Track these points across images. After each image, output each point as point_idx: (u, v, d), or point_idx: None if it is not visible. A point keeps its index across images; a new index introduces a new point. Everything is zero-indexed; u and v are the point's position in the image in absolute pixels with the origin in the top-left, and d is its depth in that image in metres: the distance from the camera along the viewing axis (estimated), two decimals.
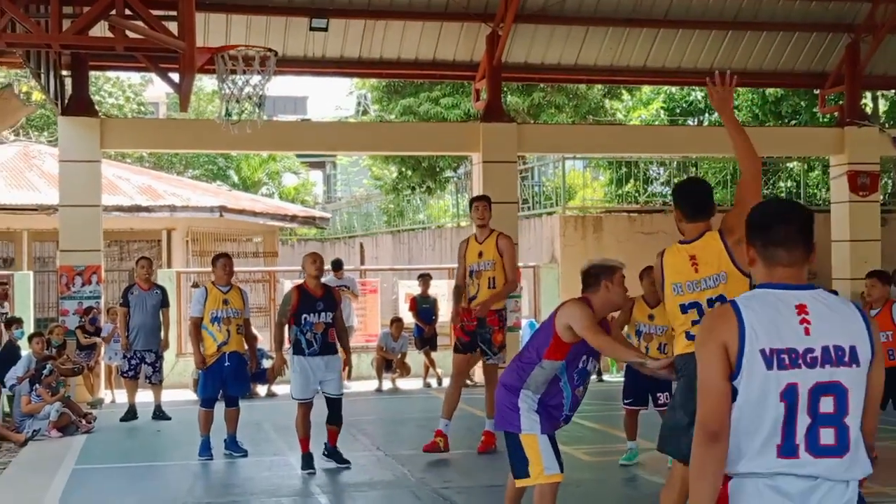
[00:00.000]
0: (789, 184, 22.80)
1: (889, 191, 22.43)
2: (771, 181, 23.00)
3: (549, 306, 17.90)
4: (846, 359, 3.13)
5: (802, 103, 24.46)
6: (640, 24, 16.94)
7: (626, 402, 9.25)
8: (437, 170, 28.14)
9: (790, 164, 23.12)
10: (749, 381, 3.10)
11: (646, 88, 25.72)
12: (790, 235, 3.25)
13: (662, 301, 6.24)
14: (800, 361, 3.10)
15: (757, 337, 3.10)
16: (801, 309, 3.16)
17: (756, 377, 3.10)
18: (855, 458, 3.12)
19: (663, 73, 18.20)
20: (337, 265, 16.30)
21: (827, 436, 3.10)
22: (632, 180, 22.31)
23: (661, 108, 26.02)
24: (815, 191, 22.62)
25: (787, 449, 3.08)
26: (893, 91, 24.46)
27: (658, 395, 8.87)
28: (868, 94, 23.60)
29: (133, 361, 12.79)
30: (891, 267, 17.68)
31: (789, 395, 3.08)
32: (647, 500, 7.75)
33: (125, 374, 12.94)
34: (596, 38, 17.02)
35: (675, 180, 23.19)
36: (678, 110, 25.71)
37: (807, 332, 3.13)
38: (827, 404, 3.10)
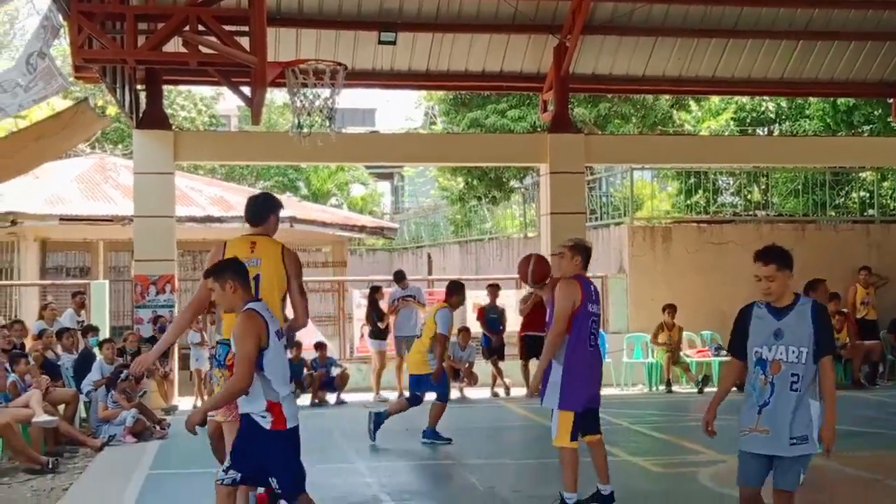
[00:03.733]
0: (862, 194, 22.42)
1: None
2: (844, 191, 22.66)
3: (617, 317, 17.86)
4: None
5: (876, 112, 24.06)
6: (709, 34, 16.85)
7: None
8: (503, 180, 28.16)
9: (863, 174, 22.73)
10: None
11: (715, 99, 25.51)
12: None
13: None
14: None
15: None
16: None
17: None
18: None
19: (733, 83, 18.08)
20: (399, 276, 16.44)
21: None
22: (700, 190, 22.13)
23: (732, 118, 25.76)
24: (889, 201, 22.21)
25: None
26: None
27: None
28: None
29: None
30: None
31: None
32: None
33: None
34: (664, 49, 16.96)
35: (745, 191, 22.97)
36: (748, 120, 25.42)
37: None
38: None
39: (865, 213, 21.54)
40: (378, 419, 11.22)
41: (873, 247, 18.52)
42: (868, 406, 13.61)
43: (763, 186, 22.95)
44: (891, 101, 18.94)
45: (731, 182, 23.37)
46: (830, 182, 21.45)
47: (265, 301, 6.11)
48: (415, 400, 11.33)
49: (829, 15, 16.68)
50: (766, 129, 26.01)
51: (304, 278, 6.98)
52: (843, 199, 22.68)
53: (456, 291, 11.43)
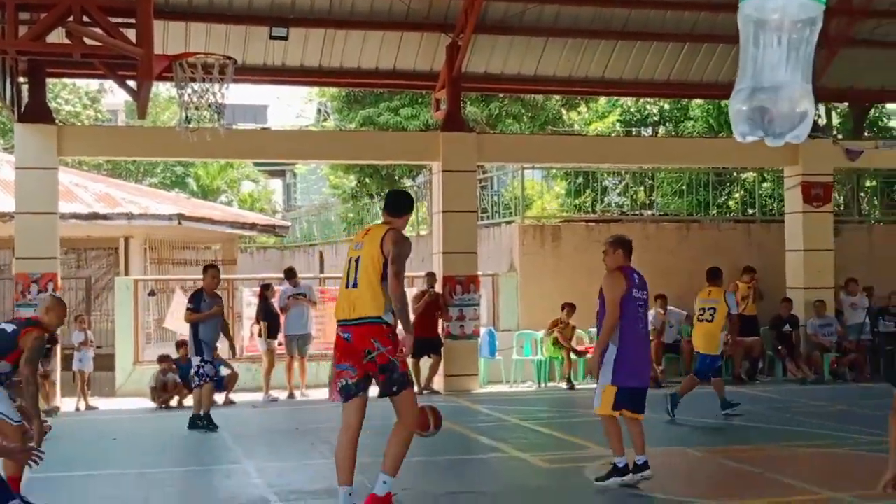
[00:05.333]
0: (743, 194, 23.08)
1: (842, 202, 22.77)
2: (726, 191, 23.28)
3: (507, 314, 18.03)
4: None
5: None
6: (599, 35, 17.13)
7: None
8: (396, 178, 28.19)
9: (744, 175, 23.40)
10: None
11: (602, 101, 25.98)
12: None
13: None
14: None
15: None
16: None
17: None
18: None
19: (621, 85, 18.41)
20: (290, 274, 16.35)
21: None
22: (588, 190, 22.49)
23: (618, 120, 26.27)
24: (769, 201, 22.91)
25: None
26: (846, 103, 24.84)
27: None
28: (822, 107, 23.95)
29: (211, 368, 12.62)
30: (843, 276, 18.02)
31: None
32: (603, 501, 7.87)
33: (206, 381, 12.51)
34: (555, 49, 17.18)
35: (631, 191, 23.44)
36: (633, 122, 25.97)
37: None
38: None
39: (747, 213, 22.18)
40: (674, 399, 12.45)
41: (754, 245, 19.08)
42: (748, 400, 14.01)
43: (648, 187, 23.44)
44: None
45: (618, 182, 23.81)
46: (713, 182, 22.03)
47: (361, 281, 6.88)
48: (704, 376, 12.63)
49: (714, 19, 17.09)
50: (651, 131, 26.60)
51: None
52: (725, 199, 23.31)
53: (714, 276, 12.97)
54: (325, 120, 35.55)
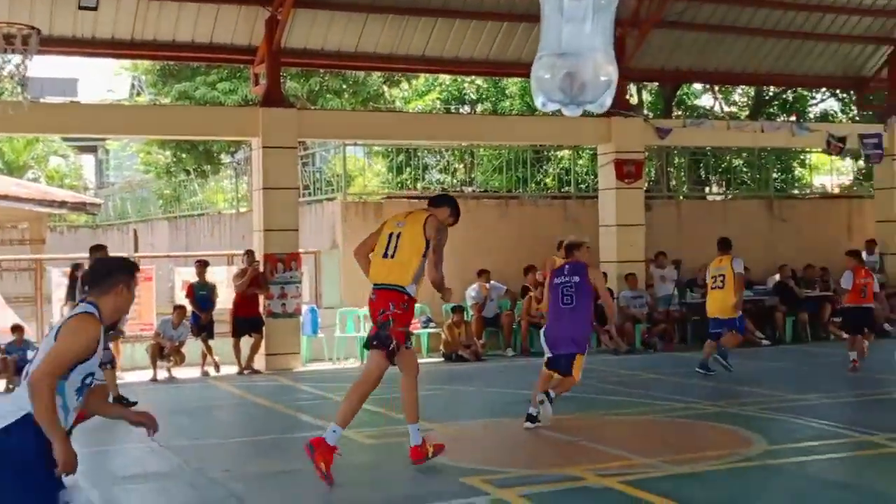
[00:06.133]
0: (559, 171, 23.64)
1: (653, 178, 23.64)
2: (543, 169, 23.80)
3: (330, 292, 17.93)
4: None
5: None
6: (420, 13, 17.17)
7: None
8: (214, 154, 27.57)
9: (559, 153, 23.97)
10: None
11: (422, 79, 26.08)
12: None
13: None
14: None
15: None
16: None
17: None
18: None
19: (441, 63, 18.53)
20: (96, 250, 15.65)
21: None
22: (409, 167, 22.58)
23: (438, 98, 26.44)
24: (584, 177, 23.58)
25: None
26: (657, 83, 25.78)
27: None
28: (634, 86, 24.77)
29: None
30: (653, 250, 18.73)
31: None
32: (433, 475, 7.91)
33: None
34: (376, 26, 17.11)
35: (451, 168, 23.67)
36: (453, 100, 26.22)
37: None
38: None
39: (563, 190, 22.74)
40: (722, 354, 13.49)
41: (570, 221, 19.55)
42: None
43: (469, 164, 23.73)
44: None
45: (439, 159, 24.01)
46: (531, 160, 22.47)
47: (398, 254, 7.96)
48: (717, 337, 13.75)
49: None
50: (470, 109, 26.91)
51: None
52: (542, 177, 23.83)
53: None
54: (138, 94, 34.42)
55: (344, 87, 25.31)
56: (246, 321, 15.84)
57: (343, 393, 12.71)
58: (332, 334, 17.15)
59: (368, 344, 8.29)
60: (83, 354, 4.41)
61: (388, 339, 7.98)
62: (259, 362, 15.94)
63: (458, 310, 16.94)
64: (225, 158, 28.15)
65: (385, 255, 8.10)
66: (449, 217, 8.41)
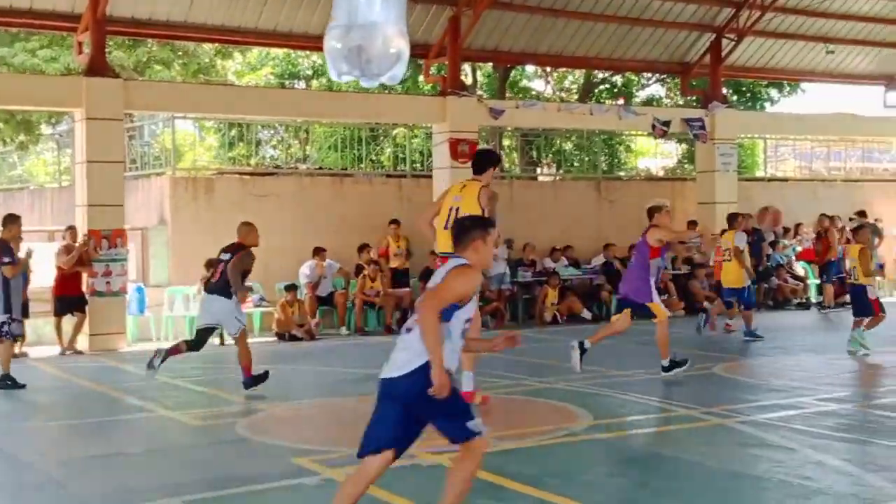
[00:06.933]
0: (395, 149, 23.65)
1: None
2: (378, 147, 23.76)
3: (157, 270, 17.43)
4: None
5: (408, 72, 25.39)
6: None
7: None
8: (34, 124, 26.37)
9: (395, 131, 23.98)
10: None
11: (255, 52, 25.61)
12: None
13: None
14: None
15: None
16: None
17: None
18: None
19: (275, 36, 18.22)
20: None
21: None
22: (242, 143, 22.15)
23: (272, 73, 26.04)
24: (419, 156, 23.66)
25: None
26: (491, 63, 26.06)
27: None
28: (468, 67, 24.99)
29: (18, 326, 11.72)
30: None
31: None
32: (264, 456, 7.79)
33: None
34: None
35: (285, 144, 23.36)
36: (287, 75, 25.86)
37: None
38: None
39: (398, 168, 22.76)
40: (707, 318, 15.61)
41: (405, 200, 19.60)
42: None
43: (303, 140, 23.47)
44: (422, 61, 20.06)
45: (273, 135, 23.66)
46: (367, 138, 22.39)
47: None
48: (729, 306, 15.59)
49: None
50: (304, 84, 26.61)
51: None
52: (378, 155, 23.79)
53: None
54: None
55: (173, 58, 24.61)
56: (68, 300, 15.23)
57: (170, 373, 12.45)
58: (160, 314, 16.70)
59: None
60: (465, 298, 5.15)
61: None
62: (82, 342, 15.38)
63: (292, 288, 16.76)
64: (46, 129, 26.95)
65: (447, 227, 8.84)
66: (493, 172, 9.42)
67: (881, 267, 22.49)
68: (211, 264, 16.04)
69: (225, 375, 12.32)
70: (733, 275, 15.30)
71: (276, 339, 16.46)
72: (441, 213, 9.24)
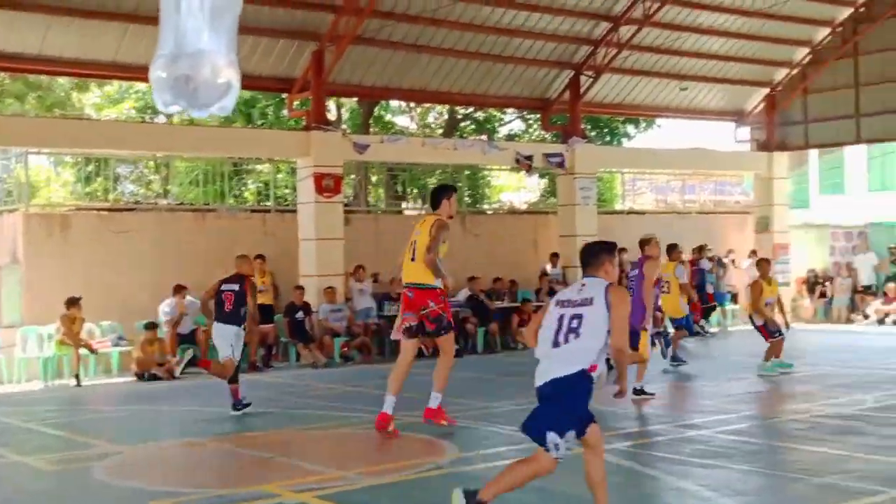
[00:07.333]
0: (259, 185, 23.41)
1: (352, 192, 23.89)
2: (242, 182, 23.48)
3: (10, 310, 16.80)
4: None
5: (271, 107, 25.26)
6: (110, 17, 16.49)
7: None
8: None
9: (259, 167, 23.75)
10: None
11: (116, 86, 25.07)
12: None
13: None
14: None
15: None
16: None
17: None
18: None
19: (134, 69, 17.82)
20: None
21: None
22: (100, 178, 21.58)
23: (133, 107, 25.51)
24: (283, 191, 23.47)
25: None
26: (355, 98, 26.10)
27: None
28: (333, 102, 24.97)
29: None
30: (352, 263, 18.90)
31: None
32: (122, 500, 7.54)
33: None
34: (60, 28, 16.26)
35: (145, 179, 22.86)
36: (147, 109, 25.37)
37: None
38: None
39: (262, 203, 22.52)
40: (668, 342, 15.85)
41: (269, 235, 19.39)
42: (263, 387, 14.24)
43: (164, 176, 23.02)
44: (286, 95, 19.95)
45: (132, 170, 23.13)
46: (230, 173, 22.10)
47: (417, 257, 9.73)
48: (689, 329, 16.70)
49: (244, 10, 17.10)
50: (165, 119, 26.14)
51: None
52: (241, 190, 23.51)
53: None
54: None
55: (27, 91, 23.88)
56: None
57: (24, 417, 11.98)
58: (13, 355, 16.06)
59: (431, 334, 10.14)
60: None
61: (449, 326, 9.96)
62: None
63: (152, 326, 16.34)
64: None
65: (413, 259, 9.86)
66: (451, 207, 10.09)
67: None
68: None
69: (81, 417, 11.91)
70: (672, 305, 15.84)
71: (135, 378, 15.99)
72: (408, 246, 9.98)
